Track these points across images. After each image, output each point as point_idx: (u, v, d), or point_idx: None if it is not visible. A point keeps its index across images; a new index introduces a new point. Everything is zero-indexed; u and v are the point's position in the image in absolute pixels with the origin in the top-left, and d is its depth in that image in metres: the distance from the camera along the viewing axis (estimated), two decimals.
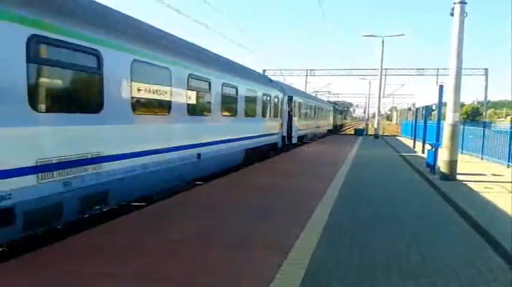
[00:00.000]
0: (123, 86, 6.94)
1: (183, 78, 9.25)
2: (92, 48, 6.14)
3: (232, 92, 12.75)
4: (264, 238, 5.61)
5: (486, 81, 51.12)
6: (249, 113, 14.43)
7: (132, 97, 7.18)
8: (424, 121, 20.85)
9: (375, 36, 34.26)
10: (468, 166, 14.71)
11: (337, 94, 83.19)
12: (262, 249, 5.15)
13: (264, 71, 50.55)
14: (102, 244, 5.13)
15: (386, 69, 49.65)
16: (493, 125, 21.96)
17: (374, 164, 15.13)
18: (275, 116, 18.29)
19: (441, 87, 15.07)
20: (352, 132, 49.72)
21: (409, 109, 63.02)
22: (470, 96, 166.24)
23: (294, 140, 22.62)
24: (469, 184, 10.72)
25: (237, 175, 11.70)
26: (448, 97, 11.58)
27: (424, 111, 21.98)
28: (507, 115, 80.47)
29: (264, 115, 16.37)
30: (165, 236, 5.56)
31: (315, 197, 8.36)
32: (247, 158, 14.36)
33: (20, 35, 4.92)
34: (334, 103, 56.82)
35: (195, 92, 10.00)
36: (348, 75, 56.45)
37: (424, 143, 19.37)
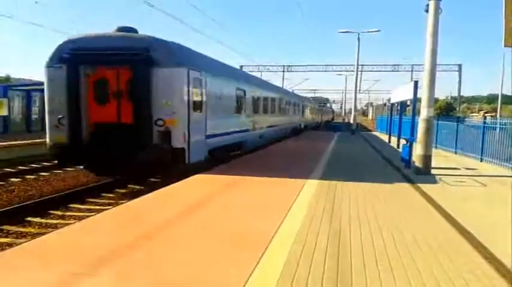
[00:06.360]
0: None
1: None
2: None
3: None
4: None
5: (460, 77, 52.51)
6: None
7: None
8: (399, 116, 21.05)
9: (351, 32, 34.42)
10: (442, 160, 14.93)
11: (314, 90, 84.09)
12: None
13: (241, 66, 50.36)
14: None
15: (362, 65, 50.46)
16: (466, 119, 22.43)
17: (350, 157, 15.19)
18: None
19: (416, 83, 15.16)
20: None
21: (385, 105, 63.99)
22: (444, 91, 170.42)
23: None
24: (443, 178, 10.87)
25: None
26: (423, 93, 11.68)
27: (399, 107, 22.21)
28: (480, 110, 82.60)
29: None
30: None
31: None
32: None
33: None
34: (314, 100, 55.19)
35: None
36: (325, 71, 57.00)
37: (399, 138, 19.58)
